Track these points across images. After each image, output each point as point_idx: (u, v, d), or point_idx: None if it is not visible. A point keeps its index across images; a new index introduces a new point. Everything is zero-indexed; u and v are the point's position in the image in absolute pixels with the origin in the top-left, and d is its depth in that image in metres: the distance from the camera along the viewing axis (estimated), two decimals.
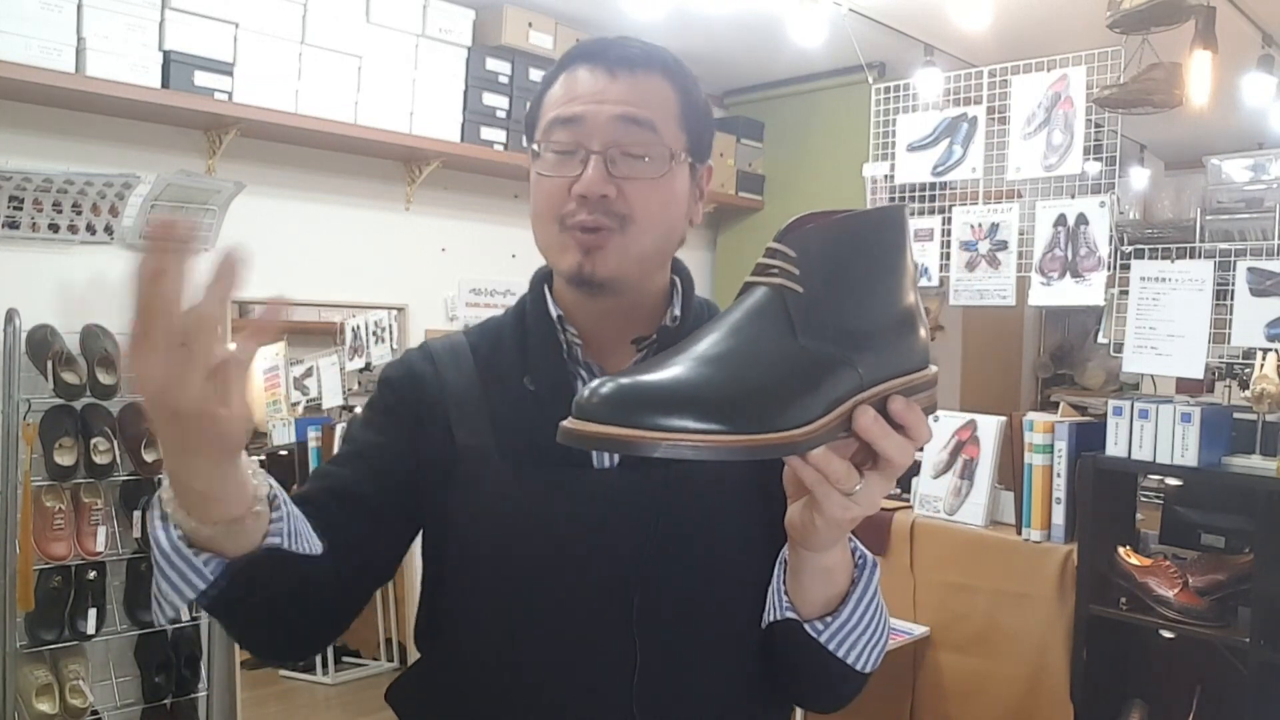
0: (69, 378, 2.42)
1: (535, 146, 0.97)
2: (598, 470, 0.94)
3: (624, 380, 0.64)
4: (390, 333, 3.30)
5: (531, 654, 0.93)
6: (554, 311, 1.00)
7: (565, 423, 0.64)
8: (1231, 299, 2.48)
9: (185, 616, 2.67)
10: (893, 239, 0.73)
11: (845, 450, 0.71)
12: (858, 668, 0.90)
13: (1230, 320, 2.48)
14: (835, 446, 0.69)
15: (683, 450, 0.62)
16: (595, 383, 0.65)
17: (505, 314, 1.07)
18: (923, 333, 0.74)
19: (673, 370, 0.65)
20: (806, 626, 0.86)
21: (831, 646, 0.87)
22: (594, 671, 0.92)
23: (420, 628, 1.05)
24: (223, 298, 0.71)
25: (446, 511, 0.98)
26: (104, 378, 2.47)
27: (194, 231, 0.70)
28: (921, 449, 0.74)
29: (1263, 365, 2.37)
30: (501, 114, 3.32)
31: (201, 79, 2.63)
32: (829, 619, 0.86)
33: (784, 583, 0.87)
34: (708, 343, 0.68)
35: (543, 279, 1.04)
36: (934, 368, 0.75)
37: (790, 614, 0.86)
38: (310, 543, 0.86)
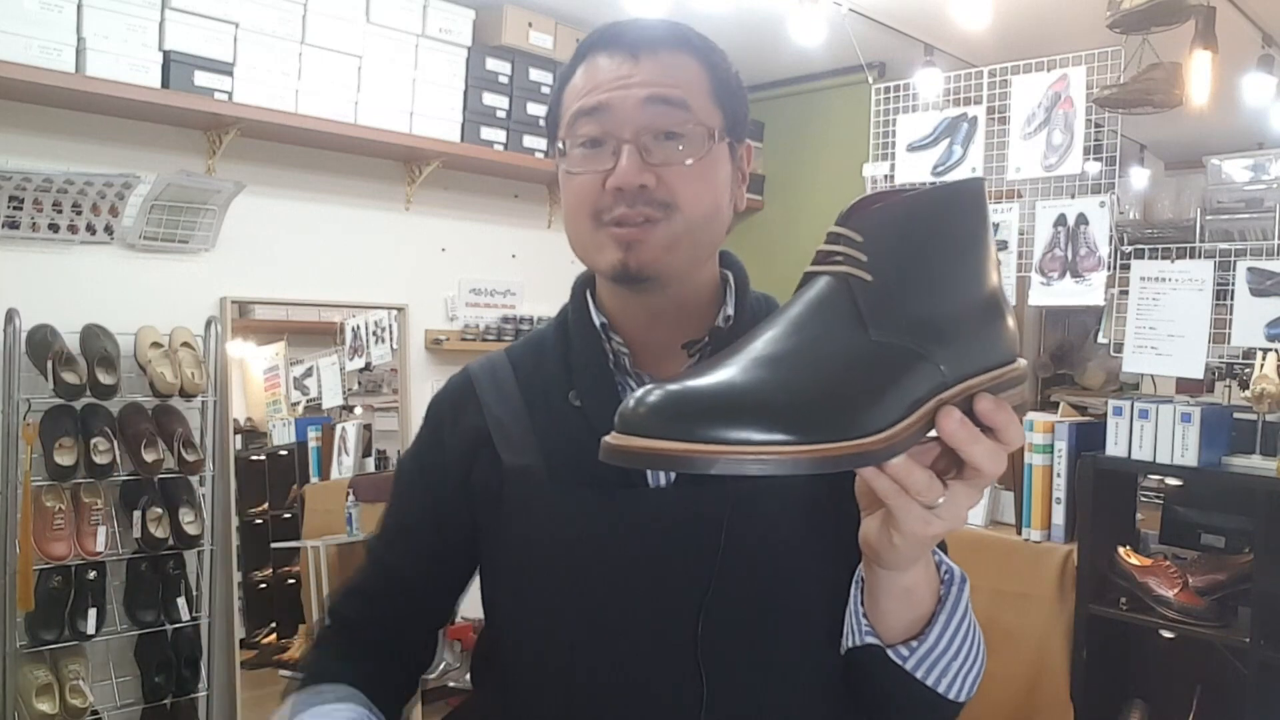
0: (69, 378, 2.41)
1: (560, 144, 0.90)
2: (653, 489, 0.87)
3: (673, 387, 0.57)
4: (390, 333, 3.30)
5: (591, 686, 0.87)
6: (597, 320, 0.94)
7: (609, 438, 0.57)
8: (1231, 299, 2.47)
9: (185, 616, 2.67)
10: (971, 216, 0.65)
11: (926, 457, 0.63)
12: (950, 696, 0.81)
13: (1230, 320, 2.48)
14: (915, 453, 0.62)
15: (745, 465, 0.54)
16: (641, 390, 0.58)
17: (547, 325, 1.01)
18: (1010, 321, 0.66)
19: (728, 374, 0.58)
20: (890, 653, 0.78)
21: (920, 674, 0.78)
22: (658, 703, 0.85)
23: (478, 655, 1.01)
24: None
25: (498, 538, 0.93)
26: (104, 378, 2.47)
27: None
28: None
29: (1263, 365, 2.37)
30: (501, 114, 3.32)
31: (201, 79, 2.63)
32: (914, 644, 0.77)
33: (862, 605, 0.78)
34: (766, 341, 0.61)
35: (584, 285, 0.97)
36: (1023, 361, 0.66)
37: (871, 639, 0.78)
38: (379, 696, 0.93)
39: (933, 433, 0.62)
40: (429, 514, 0.99)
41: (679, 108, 0.86)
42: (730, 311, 0.94)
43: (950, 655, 0.79)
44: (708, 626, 0.84)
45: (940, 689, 0.80)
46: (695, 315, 0.93)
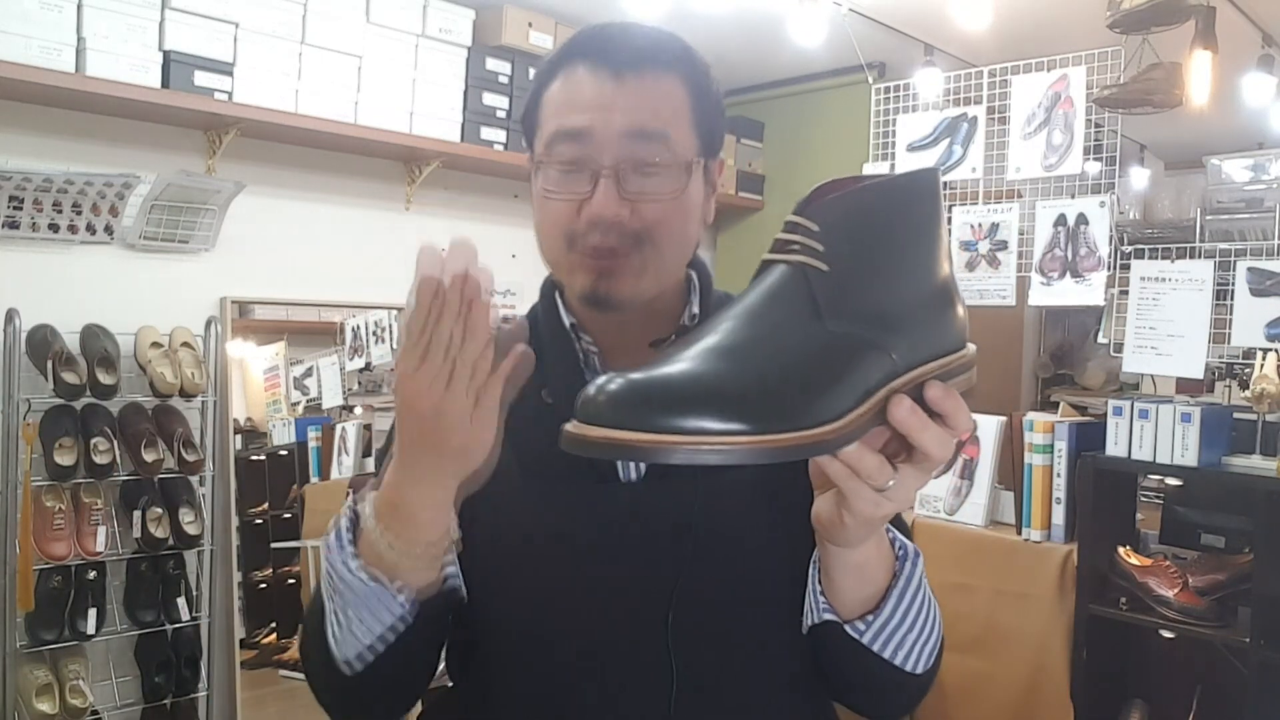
0: (69, 378, 2.41)
1: (538, 159, 0.91)
2: (624, 483, 0.89)
3: (635, 376, 0.58)
4: (390, 333, 3.29)
5: (564, 678, 0.89)
6: (567, 320, 0.96)
7: (569, 426, 0.58)
8: (1231, 299, 2.48)
9: (185, 616, 2.67)
10: (925, 207, 0.67)
11: (876, 441, 0.65)
12: (907, 669, 0.84)
13: (1230, 320, 2.48)
14: (867, 438, 0.63)
15: (702, 455, 0.55)
16: (602, 379, 0.58)
17: None
18: (959, 309, 0.68)
19: (687, 364, 0.59)
20: (847, 628, 0.81)
21: (876, 648, 0.81)
22: (630, 693, 0.87)
23: (451, 652, 1.01)
24: (488, 319, 0.73)
25: (469, 532, 0.93)
26: (104, 378, 2.47)
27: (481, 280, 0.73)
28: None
29: (1263, 365, 2.37)
30: (501, 114, 3.32)
31: (201, 79, 2.63)
32: (869, 618, 0.80)
33: (819, 583, 0.82)
34: (724, 331, 0.61)
35: (553, 286, 1.00)
36: (972, 346, 0.69)
37: (829, 615, 0.81)
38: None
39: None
40: None
41: (659, 141, 0.87)
42: (696, 310, 0.96)
43: (905, 628, 0.82)
44: (678, 616, 0.86)
45: (897, 661, 0.83)
46: (662, 317, 0.95)
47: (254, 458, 3.05)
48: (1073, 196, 2.81)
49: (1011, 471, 2.68)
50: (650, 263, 0.88)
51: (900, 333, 0.63)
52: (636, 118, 0.86)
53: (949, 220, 3.03)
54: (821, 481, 0.73)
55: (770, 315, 0.62)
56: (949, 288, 0.67)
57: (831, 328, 0.61)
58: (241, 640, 2.92)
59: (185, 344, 2.68)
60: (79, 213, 2.55)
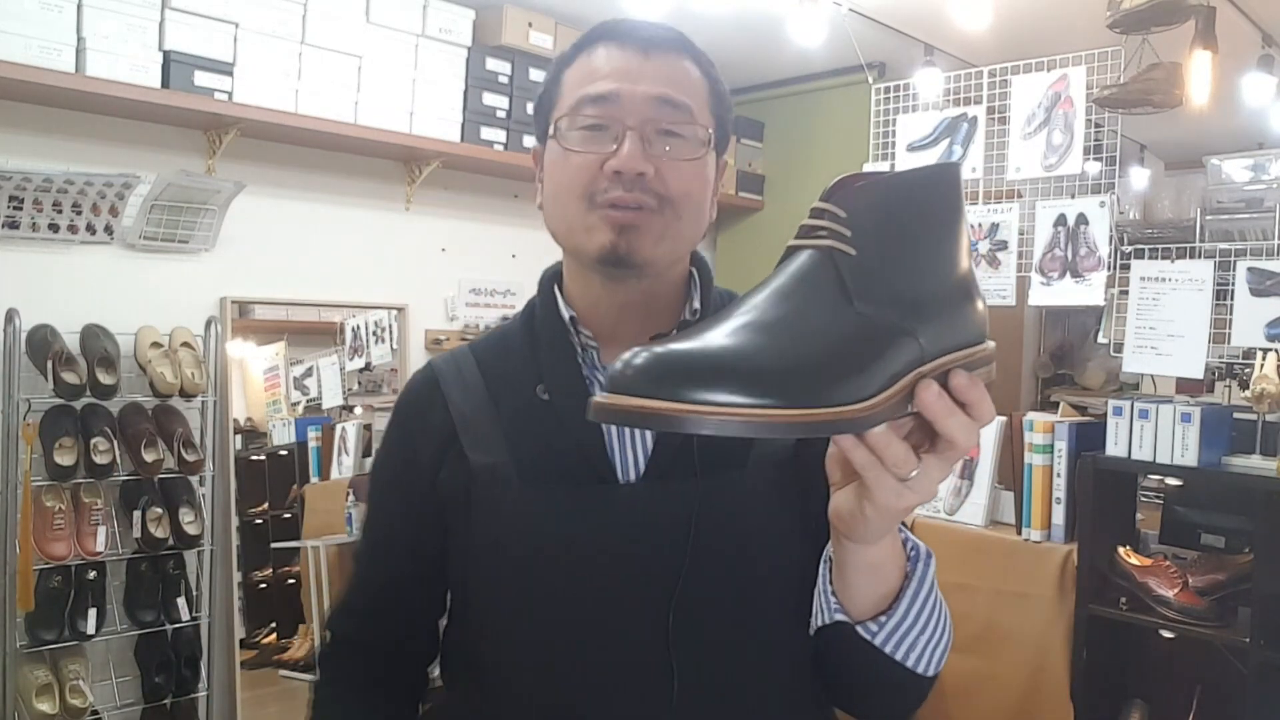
0: (69, 378, 2.41)
1: (558, 124, 0.91)
2: (624, 485, 0.89)
3: (660, 349, 0.57)
4: (390, 333, 3.30)
5: (564, 681, 0.88)
6: (566, 313, 0.95)
7: (597, 397, 0.57)
8: (1231, 299, 2.47)
9: (185, 616, 2.67)
10: (948, 200, 0.68)
11: (899, 431, 0.65)
12: (919, 671, 0.82)
13: (1230, 320, 2.48)
14: (891, 427, 0.63)
15: (730, 426, 0.55)
16: (630, 353, 0.58)
17: (512, 320, 1.02)
18: (980, 304, 0.68)
19: (716, 338, 0.59)
20: (859, 629, 0.79)
21: (889, 649, 0.80)
22: (631, 696, 0.87)
23: (446, 658, 1.01)
24: None
25: (467, 537, 0.93)
26: (104, 378, 2.47)
27: None
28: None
29: (1263, 365, 2.37)
30: (501, 114, 3.32)
31: (201, 79, 2.63)
32: (883, 619, 0.79)
33: (830, 582, 0.80)
34: (752, 309, 0.61)
35: (552, 279, 0.98)
36: (991, 342, 0.69)
37: (840, 616, 0.79)
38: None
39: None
40: (410, 520, 0.99)
41: (683, 111, 0.89)
42: (697, 305, 0.96)
43: (918, 629, 0.80)
44: (679, 618, 0.85)
45: (909, 663, 0.81)
46: (663, 309, 0.95)
47: (254, 458, 3.05)
48: (1073, 196, 2.81)
49: (1011, 471, 2.68)
50: (670, 228, 0.89)
51: (927, 319, 0.64)
52: (663, 87, 0.89)
53: None
54: (842, 475, 0.72)
55: (800, 296, 0.62)
56: (970, 281, 0.68)
57: (861, 310, 0.62)
58: (241, 640, 2.92)
59: (185, 344, 2.68)
60: (79, 213, 2.55)
